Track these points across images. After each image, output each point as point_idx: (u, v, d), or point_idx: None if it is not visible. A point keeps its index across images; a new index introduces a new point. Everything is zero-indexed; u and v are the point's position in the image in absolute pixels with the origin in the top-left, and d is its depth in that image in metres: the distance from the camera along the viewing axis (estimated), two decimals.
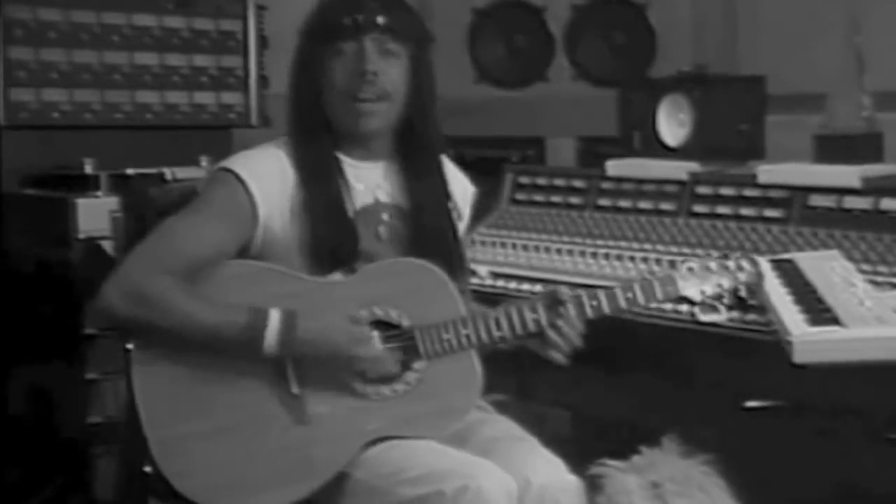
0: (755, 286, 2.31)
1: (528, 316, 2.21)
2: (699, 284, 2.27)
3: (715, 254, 2.38)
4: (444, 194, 2.35)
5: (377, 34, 2.22)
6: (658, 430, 2.32)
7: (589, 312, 2.22)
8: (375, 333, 2.17)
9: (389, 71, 2.23)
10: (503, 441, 2.19)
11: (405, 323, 2.18)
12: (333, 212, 2.23)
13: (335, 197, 2.24)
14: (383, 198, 2.31)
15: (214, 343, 2.10)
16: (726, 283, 2.29)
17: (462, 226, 2.41)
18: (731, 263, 2.30)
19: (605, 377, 2.70)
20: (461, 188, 2.43)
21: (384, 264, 2.23)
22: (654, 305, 2.41)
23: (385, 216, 2.30)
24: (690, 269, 2.28)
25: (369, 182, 2.30)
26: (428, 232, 2.30)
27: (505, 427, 2.26)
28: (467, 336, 2.18)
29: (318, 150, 2.26)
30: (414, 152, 2.32)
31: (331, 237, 2.21)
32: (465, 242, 2.43)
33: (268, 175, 2.21)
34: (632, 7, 3.84)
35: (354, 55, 2.22)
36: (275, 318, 2.09)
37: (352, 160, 2.29)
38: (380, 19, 2.23)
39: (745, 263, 2.30)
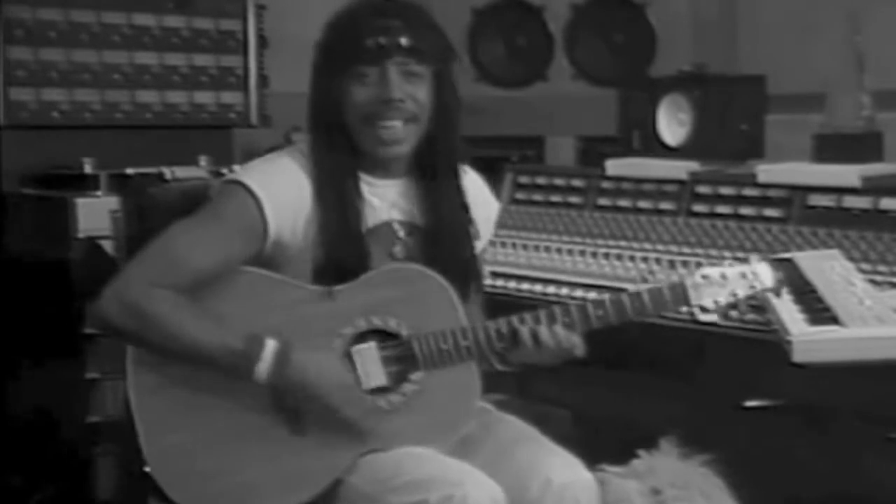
0: (774, 294, 2.22)
1: (529, 327, 2.16)
2: (714, 294, 2.16)
3: (721, 256, 2.26)
4: (463, 212, 2.28)
5: (400, 57, 2.14)
6: (658, 430, 2.32)
7: (594, 322, 2.18)
8: (364, 396, 2.13)
9: (415, 93, 2.15)
10: (519, 442, 2.16)
11: (404, 332, 2.15)
12: (345, 229, 2.17)
13: (349, 215, 2.18)
14: (399, 216, 2.25)
15: (206, 363, 2.08)
16: (742, 292, 2.18)
17: (480, 245, 2.33)
18: (748, 270, 2.18)
19: (604, 376, 2.70)
20: (484, 205, 2.36)
21: (385, 271, 2.18)
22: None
23: (401, 234, 2.24)
24: (705, 277, 2.17)
25: (385, 200, 2.24)
26: (444, 251, 2.23)
27: (519, 428, 2.23)
28: (466, 347, 2.15)
29: (336, 166, 2.19)
30: (433, 169, 2.25)
31: (341, 254, 2.16)
32: (481, 258, 2.36)
33: (282, 188, 2.15)
34: (631, 6, 3.84)
35: (378, 80, 2.14)
36: (270, 349, 2.06)
37: (369, 177, 2.22)
38: (403, 41, 2.14)
39: (763, 270, 2.19)
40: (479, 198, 2.35)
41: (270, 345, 2.06)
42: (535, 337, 2.16)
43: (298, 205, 2.16)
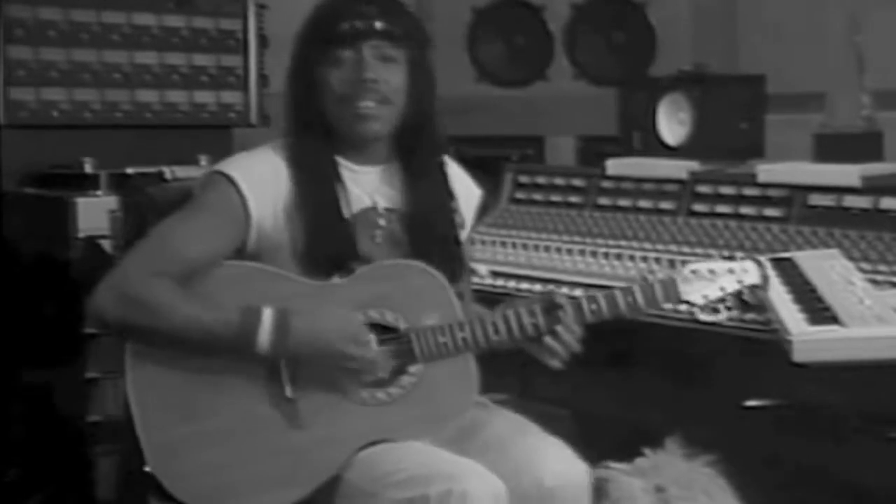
0: (761, 289, 2.26)
1: (526, 320, 2.20)
2: (702, 289, 2.22)
3: (718, 256, 2.32)
4: (446, 198, 2.33)
5: (376, 41, 2.20)
6: (658, 430, 2.32)
7: (588, 317, 2.21)
8: (371, 336, 2.16)
9: (389, 77, 2.21)
10: (514, 436, 2.17)
11: (401, 326, 2.17)
12: (328, 215, 2.21)
13: (331, 200, 2.22)
14: (381, 202, 2.29)
15: (207, 343, 2.09)
16: (730, 287, 2.23)
17: (464, 233, 2.37)
18: (735, 266, 2.24)
19: (605, 376, 2.70)
20: (466, 192, 2.41)
21: (380, 266, 2.21)
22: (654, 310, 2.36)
23: (382, 220, 2.28)
24: (694, 272, 2.23)
25: (367, 186, 2.28)
26: (427, 236, 2.28)
27: (513, 420, 2.24)
28: (464, 339, 2.17)
29: (315, 153, 2.24)
30: (414, 155, 2.30)
31: (325, 241, 2.20)
32: (467, 246, 2.41)
33: (261, 177, 2.19)
34: (631, 6, 3.84)
35: (353, 63, 2.20)
36: (267, 317, 2.08)
37: (350, 164, 2.27)
38: (378, 25, 2.20)
39: (750, 266, 2.25)
40: (462, 188, 2.39)
41: (267, 313, 2.08)
42: (535, 329, 2.19)
43: (276, 191, 2.20)
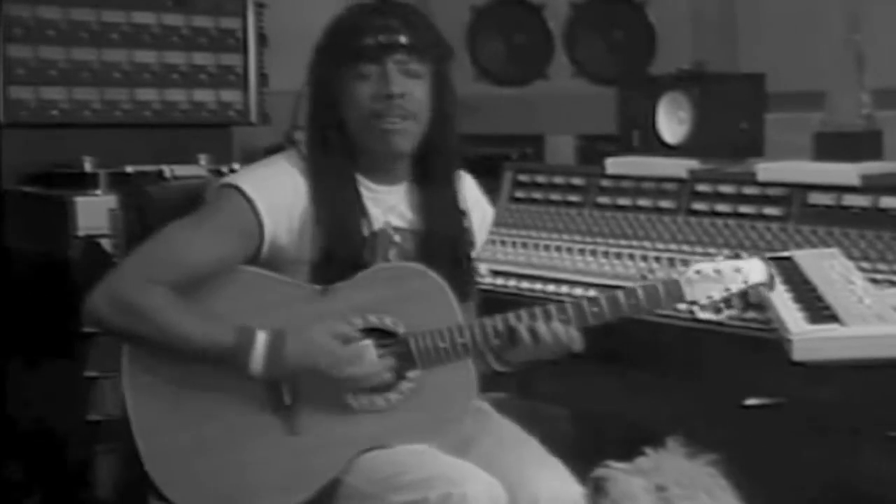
0: (767, 289, 2.24)
1: (526, 324, 2.18)
2: (707, 290, 2.20)
3: (719, 255, 2.29)
4: (459, 217, 2.32)
5: (400, 55, 2.18)
6: (658, 429, 2.32)
7: (590, 318, 2.20)
8: (369, 342, 2.14)
9: (414, 91, 2.19)
10: (512, 449, 2.17)
11: (400, 330, 2.16)
12: (347, 235, 2.20)
13: (350, 220, 2.20)
14: (395, 221, 2.27)
15: (200, 359, 2.09)
16: (735, 287, 2.21)
17: (474, 252, 2.36)
18: (742, 265, 2.22)
19: (605, 375, 2.70)
20: (480, 212, 2.40)
21: (380, 269, 2.20)
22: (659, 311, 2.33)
23: (397, 238, 2.27)
24: (698, 273, 2.21)
25: (384, 206, 2.26)
26: (439, 254, 2.25)
27: (513, 433, 2.24)
28: (463, 345, 2.16)
29: (336, 171, 2.21)
30: (431, 173, 2.28)
31: (342, 259, 2.18)
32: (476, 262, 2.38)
33: (278, 193, 2.18)
34: (631, 5, 3.84)
35: (378, 78, 2.17)
36: (261, 340, 2.07)
37: (370, 183, 2.25)
38: (402, 39, 2.18)
39: (756, 265, 2.22)
40: (474, 202, 2.38)
41: (261, 338, 2.07)
42: (533, 334, 2.17)
43: (294, 206, 2.18)
